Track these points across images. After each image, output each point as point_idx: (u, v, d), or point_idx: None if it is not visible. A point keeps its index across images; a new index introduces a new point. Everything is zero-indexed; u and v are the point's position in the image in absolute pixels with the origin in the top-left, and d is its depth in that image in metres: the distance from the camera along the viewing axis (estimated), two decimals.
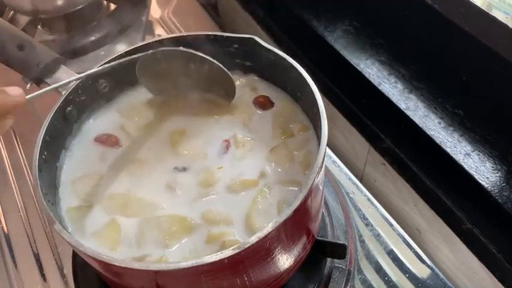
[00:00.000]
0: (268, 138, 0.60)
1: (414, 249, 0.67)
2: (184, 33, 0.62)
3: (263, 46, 0.59)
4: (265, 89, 0.65)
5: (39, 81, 0.59)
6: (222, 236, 0.51)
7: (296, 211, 0.45)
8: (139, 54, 0.58)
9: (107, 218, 0.54)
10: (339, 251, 0.61)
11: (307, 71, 0.56)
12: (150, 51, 0.59)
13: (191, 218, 0.53)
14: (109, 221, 0.54)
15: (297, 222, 0.50)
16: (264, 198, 0.54)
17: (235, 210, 0.53)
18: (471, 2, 0.60)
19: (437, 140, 0.68)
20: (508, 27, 0.56)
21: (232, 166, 0.57)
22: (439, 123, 0.70)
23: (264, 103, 0.63)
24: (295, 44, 0.88)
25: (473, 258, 0.64)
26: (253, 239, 0.43)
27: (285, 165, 0.57)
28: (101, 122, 0.63)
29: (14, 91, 0.45)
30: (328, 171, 0.76)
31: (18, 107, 0.44)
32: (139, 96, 0.65)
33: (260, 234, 0.43)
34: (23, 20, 1.02)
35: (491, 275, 0.63)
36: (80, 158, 0.60)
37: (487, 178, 0.64)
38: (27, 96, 0.45)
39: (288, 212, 0.44)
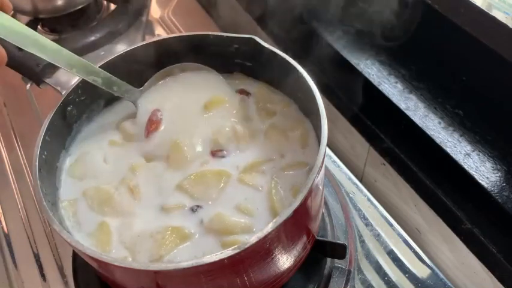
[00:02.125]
0: (258, 124, 0.61)
1: (414, 249, 0.67)
2: (184, 33, 0.62)
3: (263, 46, 0.59)
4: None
5: (39, 81, 0.59)
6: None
7: (296, 211, 0.45)
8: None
9: (94, 216, 0.54)
10: (339, 251, 0.61)
11: (306, 71, 0.56)
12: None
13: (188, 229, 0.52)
14: (99, 222, 0.54)
15: (297, 222, 0.50)
16: (278, 189, 0.54)
17: (256, 209, 0.53)
18: (471, 2, 0.60)
19: (437, 140, 0.68)
20: (508, 27, 0.57)
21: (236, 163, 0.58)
22: (439, 123, 0.70)
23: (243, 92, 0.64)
24: (295, 44, 0.88)
25: (473, 258, 0.64)
26: (253, 239, 0.43)
27: (282, 145, 0.58)
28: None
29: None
30: (328, 171, 0.76)
31: None
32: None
33: (260, 234, 0.43)
34: (23, 20, 1.02)
35: (491, 275, 0.63)
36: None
37: (487, 178, 0.64)
38: None
39: (288, 212, 0.44)
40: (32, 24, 0.98)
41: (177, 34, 0.62)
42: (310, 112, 0.59)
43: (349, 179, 0.76)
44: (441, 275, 0.65)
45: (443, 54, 0.74)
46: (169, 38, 0.62)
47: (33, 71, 0.58)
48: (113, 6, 1.04)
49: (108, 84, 0.56)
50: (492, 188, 0.63)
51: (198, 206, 0.54)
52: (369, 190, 0.75)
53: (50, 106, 0.56)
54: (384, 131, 0.74)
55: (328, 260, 0.65)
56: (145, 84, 0.61)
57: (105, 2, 1.06)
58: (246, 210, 0.53)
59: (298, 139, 0.59)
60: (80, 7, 0.96)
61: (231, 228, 0.51)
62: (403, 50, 0.80)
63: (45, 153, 0.53)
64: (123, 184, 0.56)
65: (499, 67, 0.63)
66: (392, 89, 0.75)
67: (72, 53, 0.52)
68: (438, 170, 0.68)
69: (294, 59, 0.57)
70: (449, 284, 0.64)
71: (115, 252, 0.51)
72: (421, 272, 0.65)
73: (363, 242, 0.68)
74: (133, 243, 0.51)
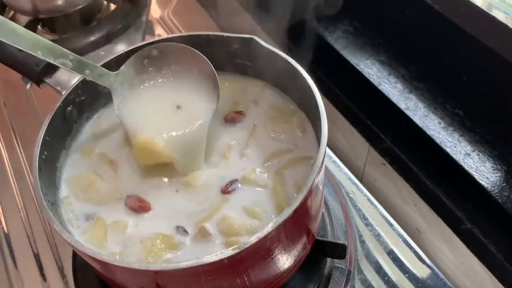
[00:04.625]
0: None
1: (414, 249, 0.67)
2: (184, 33, 0.62)
3: (263, 46, 0.59)
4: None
5: (39, 81, 0.59)
6: None
7: (296, 211, 0.45)
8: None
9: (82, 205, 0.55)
10: (339, 251, 0.61)
11: (307, 71, 0.56)
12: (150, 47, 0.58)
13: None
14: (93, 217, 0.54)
15: (297, 222, 0.50)
16: (283, 184, 0.54)
17: (266, 212, 0.53)
18: (471, 2, 0.60)
19: (437, 140, 0.68)
20: (508, 27, 0.57)
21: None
22: (439, 123, 0.70)
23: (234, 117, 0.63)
24: (295, 44, 0.88)
25: (473, 258, 0.64)
26: (253, 239, 0.43)
27: (281, 133, 0.59)
28: None
29: None
30: (328, 171, 0.76)
31: None
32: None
33: (260, 234, 0.43)
34: (23, 20, 1.02)
35: (491, 275, 0.63)
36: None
37: (487, 178, 0.64)
38: None
39: (288, 212, 0.44)
40: (32, 24, 0.98)
41: (177, 34, 0.62)
42: (310, 112, 0.59)
43: (349, 179, 0.76)
44: (441, 275, 0.65)
45: (443, 54, 0.74)
46: (170, 38, 0.62)
47: (33, 71, 0.58)
48: (113, 6, 1.04)
49: (80, 67, 0.52)
50: (492, 188, 0.63)
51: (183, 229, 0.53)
52: (369, 190, 0.75)
53: (50, 106, 0.56)
54: (384, 131, 0.74)
55: (328, 260, 0.65)
56: (122, 67, 0.57)
57: (105, 2, 1.06)
58: (253, 213, 0.53)
59: (297, 126, 0.59)
60: (80, 7, 0.96)
61: (237, 231, 0.51)
62: (403, 50, 0.80)
63: (45, 153, 0.53)
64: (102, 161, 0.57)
65: (499, 67, 0.63)
66: (392, 89, 0.75)
67: (37, 36, 0.49)
68: (438, 170, 0.68)
69: (294, 59, 0.57)
70: (449, 284, 0.64)
71: (108, 248, 0.52)
72: (421, 272, 0.65)
73: (363, 242, 0.68)
74: (123, 246, 0.52)
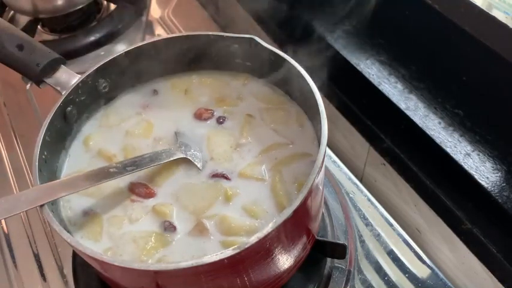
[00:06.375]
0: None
1: (414, 249, 0.67)
2: (184, 33, 0.62)
3: (263, 46, 0.59)
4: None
5: (39, 81, 0.59)
6: None
7: (296, 211, 0.45)
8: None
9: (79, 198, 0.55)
10: (339, 251, 0.61)
11: (307, 71, 0.56)
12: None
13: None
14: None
15: (297, 222, 0.50)
16: (282, 182, 0.54)
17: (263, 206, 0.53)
18: (471, 2, 0.60)
19: (437, 140, 0.68)
20: (508, 27, 0.56)
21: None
22: (439, 123, 0.70)
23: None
24: (295, 44, 0.88)
25: (473, 258, 0.64)
26: (253, 239, 0.43)
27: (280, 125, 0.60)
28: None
29: None
30: (328, 171, 0.76)
31: None
32: (138, 98, 0.66)
33: (260, 234, 0.43)
34: (23, 20, 1.02)
35: (491, 275, 0.63)
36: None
37: (487, 178, 0.64)
38: None
39: (288, 212, 0.44)
40: (32, 24, 0.98)
41: (177, 34, 0.62)
42: (310, 112, 0.59)
43: (349, 179, 0.76)
44: (441, 275, 0.65)
45: (443, 54, 0.74)
46: (169, 38, 0.62)
47: (33, 71, 0.58)
48: (112, 6, 1.04)
49: (155, 158, 0.55)
50: (492, 188, 0.63)
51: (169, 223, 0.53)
52: (369, 190, 0.75)
53: (50, 106, 0.56)
54: (384, 131, 0.74)
55: (328, 260, 0.65)
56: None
57: (105, 2, 1.06)
58: (252, 212, 0.53)
59: (296, 119, 0.60)
60: (80, 7, 0.96)
61: (236, 231, 0.51)
62: (403, 50, 0.80)
63: (45, 153, 0.53)
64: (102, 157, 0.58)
65: (499, 67, 0.63)
66: (393, 89, 0.75)
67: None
68: (438, 170, 0.68)
69: (294, 59, 0.57)
70: (449, 284, 0.64)
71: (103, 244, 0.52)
72: (421, 272, 0.65)
73: (363, 242, 0.68)
74: (116, 245, 0.52)
